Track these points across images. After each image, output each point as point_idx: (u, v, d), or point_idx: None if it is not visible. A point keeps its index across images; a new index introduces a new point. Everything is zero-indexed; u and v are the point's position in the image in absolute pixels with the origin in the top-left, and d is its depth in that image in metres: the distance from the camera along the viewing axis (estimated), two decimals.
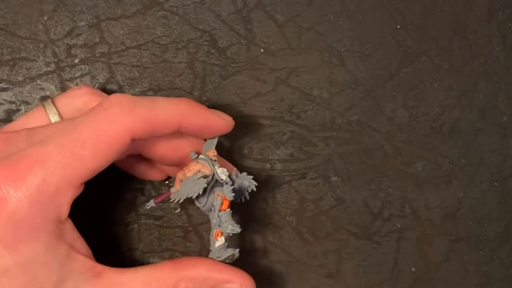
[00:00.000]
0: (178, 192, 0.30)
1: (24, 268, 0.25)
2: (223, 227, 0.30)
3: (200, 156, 0.30)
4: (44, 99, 0.30)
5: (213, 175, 0.30)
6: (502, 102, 0.38)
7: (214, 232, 0.30)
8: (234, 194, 0.30)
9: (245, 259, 0.35)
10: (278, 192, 0.36)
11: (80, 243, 0.27)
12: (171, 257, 0.35)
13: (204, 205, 0.30)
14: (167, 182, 0.35)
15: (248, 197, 0.31)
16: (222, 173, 0.30)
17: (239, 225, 0.30)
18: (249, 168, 0.35)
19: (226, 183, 0.30)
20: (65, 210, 0.26)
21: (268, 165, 0.36)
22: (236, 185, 0.31)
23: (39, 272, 0.25)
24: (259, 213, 0.36)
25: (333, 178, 0.36)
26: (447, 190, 0.37)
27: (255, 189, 0.31)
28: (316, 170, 0.36)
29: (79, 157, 0.25)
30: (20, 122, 0.29)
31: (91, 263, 0.27)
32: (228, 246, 0.30)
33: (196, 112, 0.29)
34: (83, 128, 0.26)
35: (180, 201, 0.30)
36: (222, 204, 0.30)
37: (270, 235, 0.36)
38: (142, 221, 0.35)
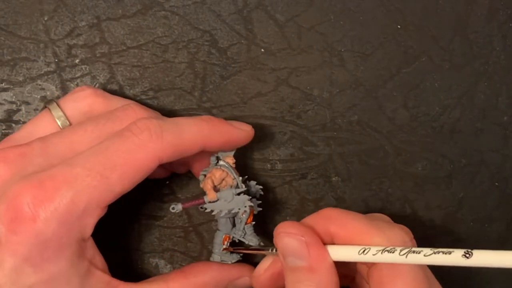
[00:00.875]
0: (216, 204, 0.30)
1: (47, 285, 0.25)
2: (247, 240, 0.31)
3: (221, 162, 0.31)
4: (48, 102, 0.30)
5: (236, 184, 0.31)
6: (503, 102, 0.37)
7: (223, 236, 0.31)
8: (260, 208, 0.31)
9: (246, 260, 0.35)
10: (278, 192, 0.36)
11: (98, 258, 0.28)
12: (171, 257, 0.35)
13: (223, 214, 0.31)
14: (167, 182, 0.35)
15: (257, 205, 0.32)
16: (242, 182, 0.31)
17: (259, 238, 0.31)
18: (250, 168, 0.35)
19: (250, 195, 0.31)
20: (89, 229, 0.27)
21: (269, 165, 0.36)
22: (249, 192, 0.32)
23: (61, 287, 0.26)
24: (259, 213, 0.35)
25: (334, 178, 0.36)
26: (448, 190, 0.37)
27: (262, 193, 0.33)
28: (317, 170, 0.36)
29: (108, 180, 0.26)
30: (28, 130, 0.30)
31: (108, 278, 0.28)
32: (231, 253, 0.32)
33: (217, 130, 0.29)
34: (113, 153, 0.26)
35: (220, 215, 0.31)
36: (249, 217, 0.31)
37: (270, 235, 0.36)
38: (143, 221, 0.35)
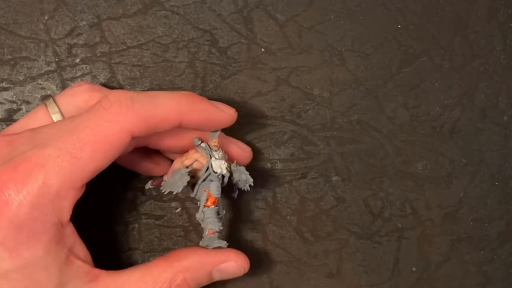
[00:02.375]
0: (167, 183, 0.30)
1: (24, 271, 0.25)
2: (205, 223, 0.30)
3: (201, 144, 0.30)
4: (45, 97, 0.30)
5: (207, 166, 0.30)
6: (503, 102, 0.38)
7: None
8: (219, 192, 0.30)
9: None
10: (278, 192, 0.36)
11: (79, 247, 0.27)
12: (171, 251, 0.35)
13: (195, 196, 0.30)
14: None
15: (245, 189, 0.31)
16: (218, 166, 0.30)
17: (220, 224, 0.30)
18: (250, 167, 0.35)
19: (217, 178, 0.30)
20: (66, 213, 0.26)
21: (269, 165, 0.36)
22: (233, 179, 0.31)
23: (39, 276, 0.25)
24: (260, 213, 0.36)
25: (334, 178, 0.36)
26: (448, 190, 0.37)
27: (252, 184, 0.31)
28: (317, 170, 0.36)
29: (79, 159, 0.25)
30: (23, 123, 0.29)
31: (88, 268, 0.27)
32: (218, 237, 0.30)
33: (197, 107, 0.28)
34: (81, 130, 0.25)
35: (165, 193, 0.30)
36: (207, 200, 0.30)
37: (270, 234, 0.36)
38: (143, 220, 0.35)
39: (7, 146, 0.26)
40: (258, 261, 0.35)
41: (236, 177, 0.31)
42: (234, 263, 0.30)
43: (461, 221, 0.37)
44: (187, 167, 0.30)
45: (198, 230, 0.35)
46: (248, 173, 0.31)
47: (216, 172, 0.30)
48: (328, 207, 0.36)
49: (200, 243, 0.31)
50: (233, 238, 0.35)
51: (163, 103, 0.27)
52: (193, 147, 0.31)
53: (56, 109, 0.29)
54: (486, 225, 0.38)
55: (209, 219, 0.30)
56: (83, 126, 0.25)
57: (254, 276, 0.35)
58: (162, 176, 0.31)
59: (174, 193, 0.29)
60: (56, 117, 0.29)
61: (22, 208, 0.24)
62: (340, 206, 0.36)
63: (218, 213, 0.30)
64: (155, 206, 0.35)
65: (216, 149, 0.30)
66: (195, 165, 0.30)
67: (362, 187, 0.36)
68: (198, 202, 0.30)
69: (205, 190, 0.30)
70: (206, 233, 0.30)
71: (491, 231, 0.38)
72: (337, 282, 0.36)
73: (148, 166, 0.33)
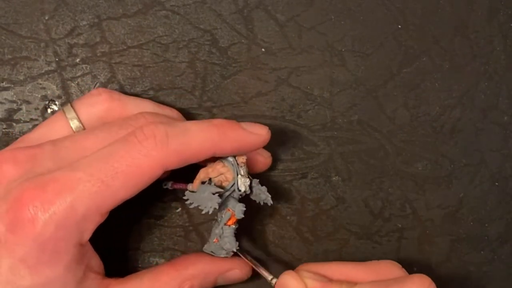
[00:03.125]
0: (192, 195, 0.30)
1: None
2: (222, 242, 0.30)
3: (229, 158, 0.30)
4: (64, 104, 0.30)
5: (233, 183, 0.30)
6: (503, 102, 0.38)
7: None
8: (243, 214, 0.30)
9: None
10: (279, 192, 0.36)
11: (94, 261, 0.28)
12: (172, 257, 0.35)
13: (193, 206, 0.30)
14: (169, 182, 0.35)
15: (261, 204, 0.31)
16: (242, 184, 0.30)
17: (237, 243, 0.30)
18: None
19: (241, 198, 0.30)
20: (87, 235, 0.27)
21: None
22: (252, 196, 0.31)
23: None
24: (260, 213, 0.36)
25: (334, 178, 0.36)
26: (448, 190, 0.37)
27: (269, 204, 0.31)
28: (317, 170, 0.36)
29: (110, 187, 0.25)
30: (41, 132, 0.29)
31: (101, 279, 0.28)
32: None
33: (228, 138, 0.28)
34: (116, 159, 0.26)
35: (190, 206, 0.30)
36: (229, 219, 0.30)
37: (271, 234, 0.36)
38: (143, 220, 0.35)
39: (29, 161, 0.26)
40: (258, 261, 0.35)
41: (255, 194, 0.31)
42: (238, 271, 0.32)
43: (461, 221, 0.37)
44: (215, 184, 0.30)
45: (198, 230, 0.35)
46: (267, 193, 0.31)
47: (240, 190, 0.30)
48: (328, 207, 0.36)
49: (205, 248, 0.31)
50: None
51: (196, 136, 0.27)
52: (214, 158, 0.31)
53: (75, 117, 0.29)
54: (486, 225, 0.38)
55: (227, 238, 0.30)
56: (118, 156, 0.26)
57: (255, 276, 0.35)
58: (184, 182, 0.31)
59: (202, 212, 0.29)
60: (74, 125, 0.29)
61: (48, 228, 0.24)
62: (340, 206, 0.36)
63: (235, 231, 0.31)
64: (155, 206, 0.35)
65: (243, 165, 0.30)
66: (220, 178, 0.30)
67: (362, 187, 0.36)
68: (218, 217, 0.31)
69: (228, 210, 0.30)
70: (214, 240, 0.31)
71: (491, 231, 0.38)
72: None
73: None
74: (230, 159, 0.30)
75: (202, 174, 0.30)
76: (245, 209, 0.30)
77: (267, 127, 0.30)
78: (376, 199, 0.36)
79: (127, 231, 0.34)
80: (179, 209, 0.35)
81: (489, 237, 0.38)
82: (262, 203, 0.31)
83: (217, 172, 0.30)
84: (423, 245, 0.37)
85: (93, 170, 0.25)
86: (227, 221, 0.30)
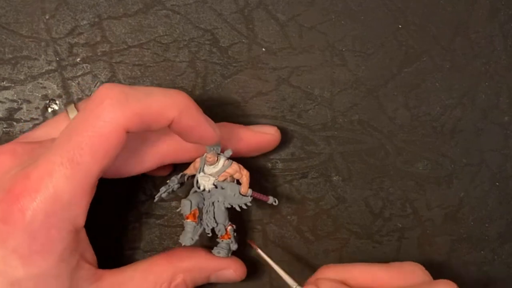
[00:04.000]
0: (183, 234, 0.30)
1: (36, 280, 0.25)
2: (216, 249, 0.31)
3: (203, 155, 0.30)
4: (67, 105, 0.30)
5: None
6: (504, 102, 0.38)
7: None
8: (188, 211, 0.30)
9: (246, 258, 0.35)
10: (279, 192, 0.36)
11: (89, 251, 0.28)
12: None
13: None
14: (168, 181, 0.35)
15: (226, 206, 0.31)
16: (202, 182, 0.30)
17: (192, 240, 0.30)
18: (251, 167, 0.35)
19: (202, 193, 0.31)
20: (81, 219, 0.26)
21: (269, 164, 0.36)
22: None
23: (50, 283, 0.25)
24: (260, 212, 0.36)
25: (334, 178, 0.36)
26: (448, 190, 0.37)
27: (228, 206, 0.31)
28: (317, 170, 0.36)
29: (80, 164, 0.25)
30: (44, 130, 0.29)
31: (94, 270, 0.28)
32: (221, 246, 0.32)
33: (190, 112, 0.27)
34: (78, 134, 0.25)
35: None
36: (225, 234, 0.31)
37: (271, 234, 0.36)
38: (143, 219, 0.35)
39: (27, 154, 0.27)
40: (259, 261, 0.35)
41: (215, 193, 0.31)
42: (232, 271, 0.31)
43: (462, 221, 0.37)
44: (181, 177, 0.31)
45: None
46: (236, 194, 0.30)
47: (199, 188, 0.31)
48: (329, 207, 0.36)
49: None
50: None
51: (159, 99, 0.26)
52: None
53: None
54: (487, 225, 0.38)
55: (184, 232, 0.30)
56: (78, 129, 0.25)
57: (255, 276, 0.35)
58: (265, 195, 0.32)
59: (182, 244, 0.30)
60: None
61: (37, 217, 0.24)
62: (340, 206, 0.36)
63: (195, 228, 0.30)
64: (155, 205, 0.35)
65: (212, 163, 0.30)
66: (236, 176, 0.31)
67: (362, 187, 0.36)
68: (218, 232, 0.31)
69: (231, 225, 0.31)
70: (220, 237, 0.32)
71: (492, 231, 0.38)
72: None
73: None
74: (204, 155, 0.30)
75: (191, 166, 0.31)
76: (185, 207, 0.30)
77: (219, 132, 0.29)
78: (377, 199, 0.36)
79: (128, 230, 0.34)
80: (179, 208, 0.35)
81: (489, 237, 0.38)
82: (226, 206, 0.31)
83: (194, 167, 0.31)
84: (424, 245, 0.37)
85: (62, 150, 0.25)
86: (185, 216, 0.30)
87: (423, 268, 0.29)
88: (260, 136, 0.32)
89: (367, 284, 0.28)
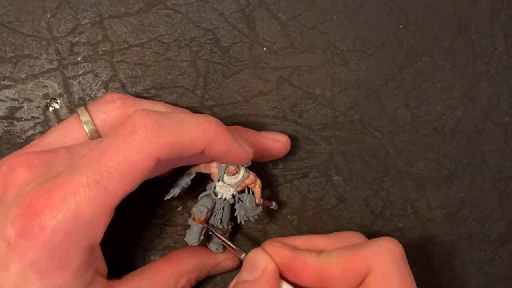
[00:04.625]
0: (186, 234, 0.32)
1: None
2: (186, 234, 0.32)
3: (223, 164, 0.31)
4: (78, 108, 0.30)
5: (213, 186, 0.32)
6: (505, 103, 0.38)
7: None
8: (202, 216, 0.31)
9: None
10: (279, 191, 0.36)
11: (102, 265, 0.28)
12: (172, 251, 0.35)
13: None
14: (168, 180, 0.35)
15: (241, 221, 0.32)
16: (220, 191, 0.31)
17: (199, 240, 0.31)
18: (251, 166, 0.35)
19: (219, 200, 0.31)
20: (98, 237, 0.27)
21: (270, 164, 0.36)
22: (235, 207, 0.32)
23: None
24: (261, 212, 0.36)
25: (335, 177, 0.36)
26: (449, 190, 0.37)
27: (242, 222, 0.32)
28: (318, 169, 0.36)
29: (107, 188, 0.25)
30: (56, 137, 0.29)
31: (105, 283, 0.28)
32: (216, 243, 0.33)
33: (220, 138, 0.28)
34: (107, 158, 0.25)
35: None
36: (195, 216, 0.32)
37: (271, 234, 0.36)
38: (144, 219, 0.35)
39: (44, 167, 0.26)
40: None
41: (237, 209, 0.32)
42: (230, 262, 0.33)
43: (462, 222, 0.37)
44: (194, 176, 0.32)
45: None
46: (253, 207, 0.32)
47: (216, 196, 0.31)
48: (329, 207, 0.36)
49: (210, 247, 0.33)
50: (233, 237, 0.35)
51: (190, 129, 0.27)
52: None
53: (90, 123, 0.29)
54: (487, 225, 0.38)
55: (190, 231, 0.31)
56: (108, 154, 0.25)
57: None
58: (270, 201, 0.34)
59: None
60: (88, 129, 0.29)
61: (56, 234, 0.24)
62: (341, 206, 0.36)
63: (202, 230, 0.31)
64: (156, 204, 0.35)
65: (233, 173, 0.31)
66: (212, 176, 0.32)
67: (363, 186, 0.36)
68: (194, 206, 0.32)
69: (193, 207, 0.32)
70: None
71: (492, 232, 0.38)
72: None
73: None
74: (224, 164, 0.31)
75: (201, 166, 0.32)
76: (201, 213, 0.31)
77: (252, 149, 0.30)
78: (377, 198, 0.36)
79: (128, 229, 0.34)
80: (180, 207, 0.35)
81: (490, 237, 0.38)
82: (242, 221, 0.32)
83: (209, 169, 0.32)
84: (424, 245, 0.37)
85: (88, 172, 0.25)
86: (194, 217, 0.31)
87: (362, 235, 0.30)
88: (271, 143, 0.33)
89: (307, 247, 0.29)
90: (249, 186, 0.32)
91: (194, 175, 0.32)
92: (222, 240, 0.31)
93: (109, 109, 0.30)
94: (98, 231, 0.26)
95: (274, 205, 0.33)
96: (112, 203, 0.26)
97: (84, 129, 0.29)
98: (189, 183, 0.32)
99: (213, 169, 0.31)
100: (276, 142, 0.33)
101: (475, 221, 0.37)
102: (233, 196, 0.31)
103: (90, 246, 0.26)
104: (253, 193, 0.32)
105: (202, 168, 0.32)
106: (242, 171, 0.31)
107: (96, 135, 0.29)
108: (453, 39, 0.37)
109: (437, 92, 0.37)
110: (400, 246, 0.28)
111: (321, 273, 0.27)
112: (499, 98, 0.37)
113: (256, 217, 0.32)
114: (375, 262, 0.27)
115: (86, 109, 0.30)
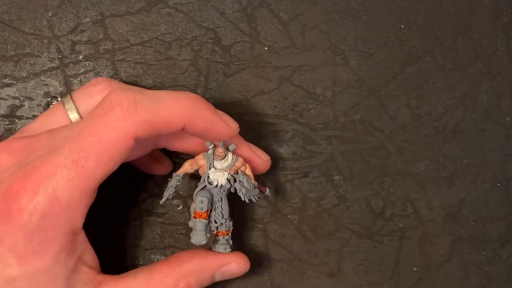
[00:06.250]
0: (170, 182, 0.30)
1: (31, 279, 0.25)
2: (192, 234, 0.30)
3: (209, 151, 0.30)
4: (63, 95, 0.30)
5: (207, 176, 0.30)
6: (506, 103, 0.38)
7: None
8: (205, 208, 0.30)
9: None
10: (280, 190, 0.36)
11: (88, 253, 0.28)
12: (172, 254, 0.35)
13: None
14: (169, 179, 0.35)
15: (246, 200, 0.31)
16: (215, 178, 0.30)
17: (206, 238, 0.30)
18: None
19: (216, 189, 0.30)
20: (78, 221, 0.26)
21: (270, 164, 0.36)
22: (238, 193, 0.31)
23: (45, 285, 0.25)
24: (261, 211, 0.36)
25: (336, 177, 0.36)
26: (450, 190, 0.37)
27: (254, 199, 0.31)
28: (319, 169, 0.36)
29: (85, 168, 0.25)
30: (40, 122, 0.29)
31: (93, 274, 0.27)
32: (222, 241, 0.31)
33: (201, 114, 0.27)
34: (84, 137, 0.25)
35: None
36: (195, 212, 0.30)
37: (272, 233, 0.36)
38: (144, 218, 0.35)
39: (24, 150, 0.26)
40: (259, 259, 0.35)
41: (237, 188, 0.30)
42: (236, 265, 0.31)
43: (463, 222, 0.37)
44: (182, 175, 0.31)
45: None
46: (251, 186, 0.30)
47: (211, 184, 0.30)
48: (330, 206, 0.36)
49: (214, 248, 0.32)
50: (234, 236, 0.35)
51: (168, 106, 0.26)
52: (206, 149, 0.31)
53: (73, 107, 0.29)
54: (488, 225, 0.38)
55: (195, 231, 0.30)
56: (85, 133, 0.25)
57: (255, 274, 0.35)
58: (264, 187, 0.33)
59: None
60: (73, 116, 0.29)
61: (34, 217, 0.24)
62: (341, 205, 0.36)
63: (207, 226, 0.30)
64: (156, 203, 0.35)
65: (223, 157, 0.30)
66: (200, 171, 0.31)
67: (363, 186, 0.36)
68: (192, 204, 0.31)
69: (194, 203, 0.30)
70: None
71: (493, 232, 0.38)
72: (338, 281, 0.36)
73: (151, 165, 0.33)
74: (210, 151, 0.30)
75: (186, 165, 0.31)
76: (202, 203, 0.30)
77: (237, 124, 0.29)
78: (378, 198, 0.36)
79: (128, 228, 0.34)
80: (180, 206, 0.35)
81: (490, 238, 0.38)
82: (247, 199, 0.31)
83: (196, 165, 0.30)
84: (424, 245, 0.37)
85: (66, 152, 0.25)
86: (195, 214, 0.30)
87: None
88: (253, 156, 0.31)
89: None
90: (241, 169, 0.31)
91: (179, 175, 0.31)
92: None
93: (93, 92, 0.29)
94: (78, 214, 0.26)
95: (267, 191, 0.32)
96: (91, 185, 0.25)
97: (68, 114, 0.29)
98: (181, 181, 0.31)
99: (200, 161, 0.30)
100: (258, 158, 0.32)
101: (475, 221, 0.37)
102: (228, 180, 0.30)
103: (70, 231, 0.26)
104: (243, 173, 0.31)
105: (188, 168, 0.31)
106: (230, 154, 0.30)
107: (79, 118, 0.29)
108: (454, 39, 0.37)
109: (438, 92, 0.37)
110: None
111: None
112: (500, 98, 0.37)
113: (257, 197, 0.31)
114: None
115: (70, 94, 0.29)
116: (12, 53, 0.34)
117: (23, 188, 0.24)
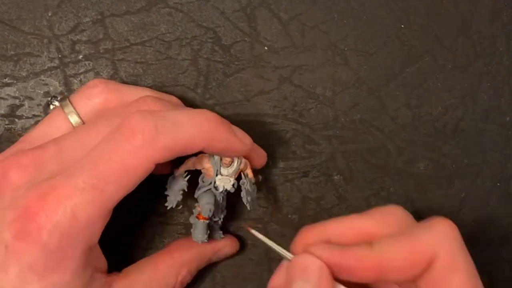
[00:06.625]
0: (170, 183, 0.31)
1: None
2: (192, 232, 0.32)
3: (215, 156, 0.30)
4: (61, 100, 0.30)
5: (212, 181, 0.31)
6: (506, 103, 0.37)
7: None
8: (209, 213, 0.31)
9: (246, 256, 0.35)
10: (280, 190, 0.36)
11: (101, 261, 0.28)
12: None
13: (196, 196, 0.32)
14: (171, 177, 0.35)
15: (248, 206, 0.32)
16: (221, 184, 0.31)
17: (206, 236, 0.31)
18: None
19: (220, 194, 0.31)
20: (95, 238, 0.27)
21: (270, 163, 0.36)
22: (242, 197, 0.32)
23: None
24: (261, 211, 0.36)
25: (336, 177, 0.36)
26: (450, 190, 0.37)
27: (249, 209, 0.32)
28: (319, 169, 0.36)
29: (104, 192, 0.25)
30: (42, 131, 0.29)
31: (105, 278, 0.28)
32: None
33: (219, 136, 0.27)
34: (105, 163, 0.25)
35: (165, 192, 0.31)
36: (199, 214, 0.31)
37: (272, 233, 0.36)
38: (144, 217, 0.35)
39: (34, 165, 0.26)
40: (259, 259, 0.35)
41: (242, 196, 0.31)
42: (229, 247, 0.34)
43: (463, 222, 0.37)
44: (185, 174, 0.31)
45: None
46: (248, 198, 0.31)
47: (217, 190, 0.31)
48: (330, 206, 0.36)
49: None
50: (234, 236, 0.35)
51: (187, 131, 0.26)
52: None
53: (74, 112, 0.29)
54: (488, 225, 0.38)
55: (197, 230, 0.31)
56: (106, 159, 0.25)
57: (255, 274, 0.35)
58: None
59: (165, 204, 0.31)
60: (74, 120, 0.29)
61: (53, 236, 0.24)
62: (341, 205, 0.36)
63: (208, 226, 0.31)
64: (156, 203, 0.35)
65: (230, 164, 0.30)
66: (203, 171, 0.31)
67: (363, 186, 0.36)
68: (196, 205, 0.32)
69: (199, 206, 0.31)
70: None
71: (493, 232, 0.38)
72: None
73: None
74: (216, 158, 0.30)
75: (189, 163, 0.31)
76: (210, 211, 0.31)
77: (251, 139, 0.30)
78: (378, 198, 0.36)
79: (128, 228, 0.34)
80: (180, 206, 0.35)
81: (490, 238, 0.37)
82: (251, 208, 0.32)
83: (200, 165, 0.31)
84: None
85: (85, 176, 0.25)
86: (198, 215, 0.31)
87: (404, 209, 0.29)
88: (238, 143, 0.30)
89: (351, 236, 0.27)
90: (245, 172, 0.31)
91: (185, 174, 0.31)
92: (268, 243, 0.30)
93: (91, 94, 0.29)
94: (95, 232, 0.26)
95: (260, 178, 0.33)
96: (109, 206, 0.26)
97: (68, 119, 0.29)
98: (187, 185, 0.31)
99: (205, 164, 0.31)
100: (242, 143, 0.30)
101: (475, 221, 0.37)
102: (233, 186, 0.31)
103: (87, 247, 0.26)
104: (245, 176, 0.32)
105: (191, 166, 0.31)
106: (236, 159, 0.31)
107: (80, 122, 0.29)
108: (454, 39, 0.37)
109: (438, 92, 0.37)
110: (456, 227, 0.27)
111: (379, 266, 0.25)
112: (500, 98, 0.37)
113: (255, 202, 0.32)
114: (440, 248, 0.25)
115: (69, 98, 0.30)
116: (12, 52, 0.34)
117: (42, 208, 0.24)
